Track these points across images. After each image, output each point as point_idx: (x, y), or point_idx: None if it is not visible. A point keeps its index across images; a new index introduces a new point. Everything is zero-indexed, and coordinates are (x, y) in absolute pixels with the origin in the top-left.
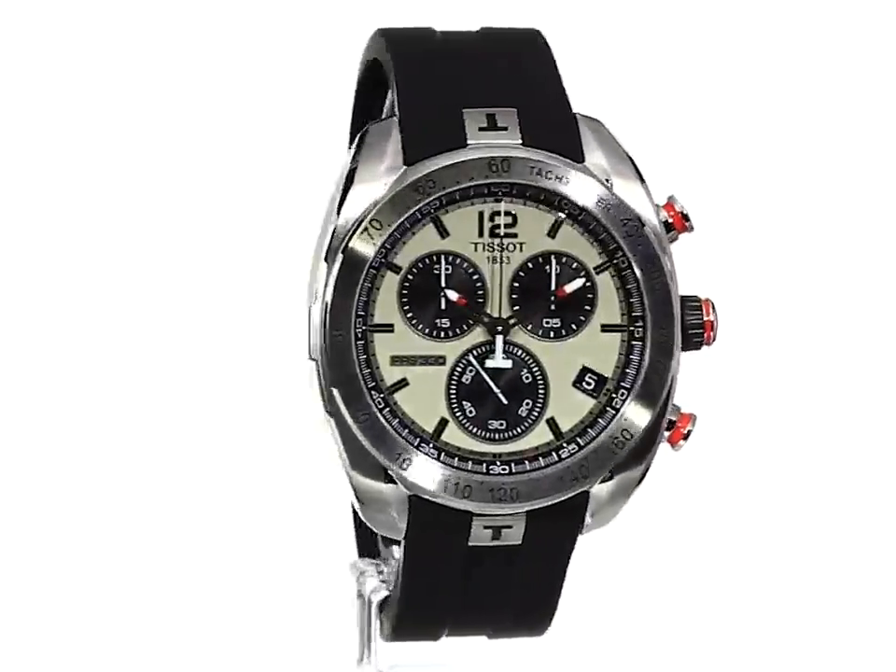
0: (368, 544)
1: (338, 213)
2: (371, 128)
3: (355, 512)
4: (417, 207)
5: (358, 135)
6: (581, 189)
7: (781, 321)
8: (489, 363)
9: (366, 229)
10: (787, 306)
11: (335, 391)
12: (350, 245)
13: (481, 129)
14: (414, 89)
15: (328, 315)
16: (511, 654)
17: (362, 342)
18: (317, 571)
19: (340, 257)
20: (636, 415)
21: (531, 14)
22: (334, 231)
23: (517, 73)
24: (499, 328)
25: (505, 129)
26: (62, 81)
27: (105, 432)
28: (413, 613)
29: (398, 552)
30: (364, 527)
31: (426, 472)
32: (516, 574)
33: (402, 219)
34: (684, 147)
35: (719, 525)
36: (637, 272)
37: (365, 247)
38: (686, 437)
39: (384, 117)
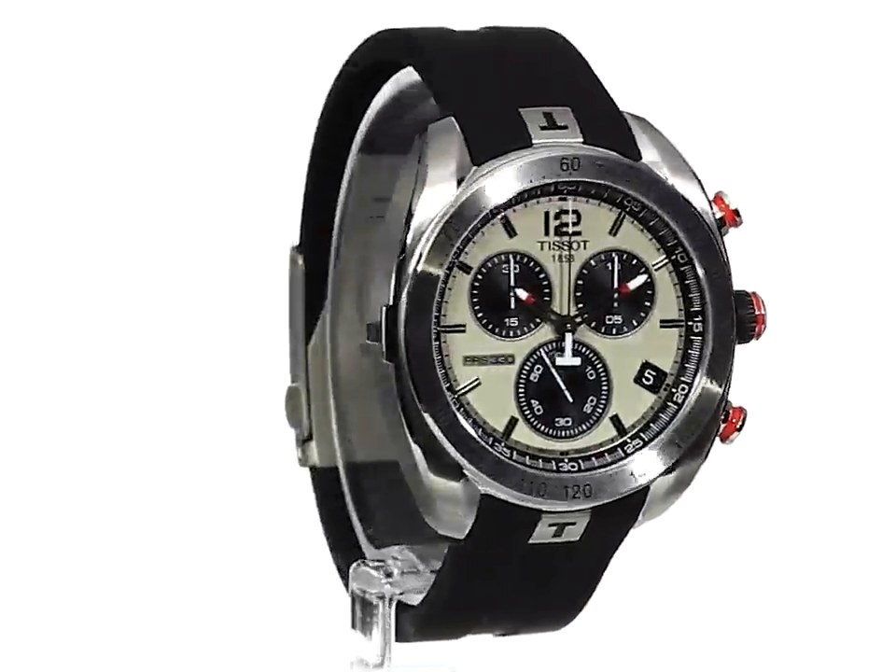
0: (347, 547)
1: (411, 214)
2: (431, 129)
3: (326, 516)
4: (490, 208)
5: (417, 137)
6: (642, 186)
7: (799, 317)
8: (559, 361)
9: (444, 230)
10: (806, 301)
11: (416, 394)
12: (431, 244)
13: (542, 128)
14: (462, 89)
15: (407, 316)
16: (511, 654)
17: (437, 343)
18: (302, 575)
19: (417, 259)
20: (698, 409)
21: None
22: (409, 233)
23: (558, 72)
24: (568, 325)
25: (565, 127)
26: (67, 84)
27: (93, 430)
28: (452, 612)
29: (398, 552)
30: (342, 531)
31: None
32: (566, 570)
33: (477, 220)
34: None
35: (742, 524)
36: (698, 266)
37: (442, 249)
38: (739, 430)
39: (373, 118)
